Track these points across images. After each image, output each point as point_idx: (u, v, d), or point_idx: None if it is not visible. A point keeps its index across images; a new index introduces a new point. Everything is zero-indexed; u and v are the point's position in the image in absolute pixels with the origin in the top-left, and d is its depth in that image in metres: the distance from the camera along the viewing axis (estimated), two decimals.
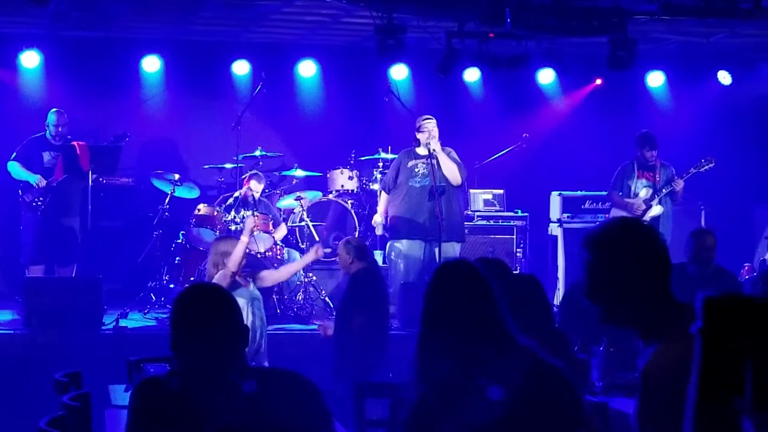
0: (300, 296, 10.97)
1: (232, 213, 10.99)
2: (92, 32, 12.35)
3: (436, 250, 10.47)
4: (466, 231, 11.46)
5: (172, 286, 11.04)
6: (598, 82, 13.95)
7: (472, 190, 12.77)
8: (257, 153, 12.24)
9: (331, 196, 12.27)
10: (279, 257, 10.99)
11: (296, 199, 11.67)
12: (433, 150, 10.48)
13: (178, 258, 11.15)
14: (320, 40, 13.12)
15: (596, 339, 6.36)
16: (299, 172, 12.41)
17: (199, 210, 11.14)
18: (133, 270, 11.77)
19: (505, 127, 13.59)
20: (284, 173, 12.71)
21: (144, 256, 11.64)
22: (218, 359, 3.66)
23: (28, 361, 9.17)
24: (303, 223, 11.57)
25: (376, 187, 12.08)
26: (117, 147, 11.46)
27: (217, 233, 10.88)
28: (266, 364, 8.00)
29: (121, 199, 12.38)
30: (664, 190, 11.54)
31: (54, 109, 11.44)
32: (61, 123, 11.35)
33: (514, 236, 12.49)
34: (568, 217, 12.81)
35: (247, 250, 9.85)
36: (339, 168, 12.38)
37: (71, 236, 11.36)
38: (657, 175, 11.62)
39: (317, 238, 11.63)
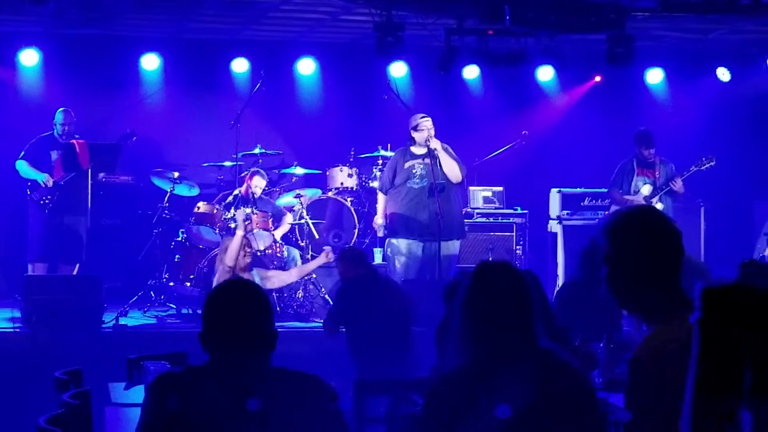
0: (300, 294, 10.98)
1: (232, 211, 10.99)
2: (91, 30, 12.35)
3: (436, 248, 10.47)
4: (466, 228, 11.46)
5: (171, 284, 11.04)
6: (598, 79, 13.95)
7: (471, 188, 12.77)
8: (256, 151, 12.24)
9: (330, 194, 12.27)
10: (279, 255, 10.99)
11: (296, 197, 11.67)
12: (435, 150, 10.48)
13: (177, 256, 11.15)
14: (319, 37, 13.12)
15: (596, 335, 6.36)
16: (299, 170, 12.41)
17: (198, 208, 11.15)
18: (133, 268, 11.78)
19: (504, 124, 13.60)
20: (284, 171, 12.71)
21: (144, 254, 11.65)
22: (244, 358, 3.66)
23: (28, 359, 9.18)
24: (302, 221, 11.56)
25: (375, 184, 12.07)
26: (116, 145, 11.47)
27: (217, 231, 10.90)
28: None
29: (120, 197, 12.38)
30: (663, 188, 11.54)
31: (61, 109, 11.47)
32: (68, 122, 11.38)
33: (514, 233, 12.49)
34: (567, 214, 12.80)
35: (248, 249, 9.91)
36: (338, 165, 12.38)
37: (77, 235, 11.37)
38: (657, 172, 11.62)
39: (317, 236, 11.63)
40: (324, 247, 10.70)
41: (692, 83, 14.05)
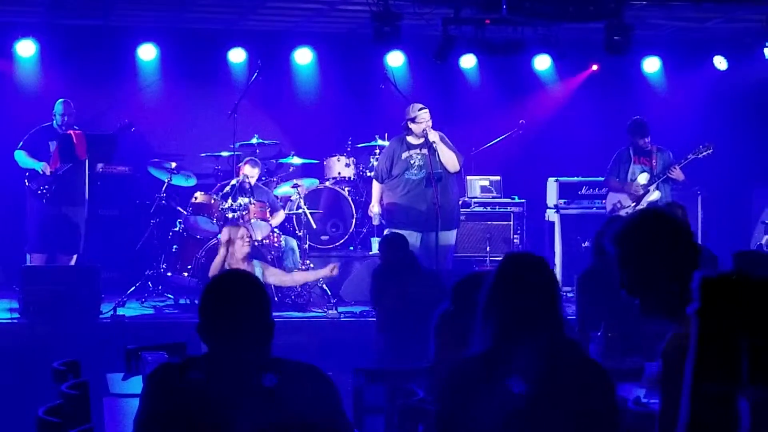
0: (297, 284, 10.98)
1: (229, 201, 10.99)
2: (88, 20, 12.33)
3: (434, 238, 10.47)
4: (463, 218, 11.47)
5: (169, 274, 11.04)
6: (595, 68, 13.93)
7: (468, 177, 12.77)
8: (254, 141, 12.24)
9: (328, 184, 12.27)
10: (276, 245, 10.99)
11: (293, 187, 11.66)
12: (433, 142, 10.48)
13: (175, 246, 11.15)
14: (316, 27, 13.10)
15: (594, 324, 6.37)
16: (296, 160, 12.40)
17: (196, 198, 11.15)
18: (131, 258, 11.77)
19: (501, 113, 13.59)
20: (281, 161, 12.70)
21: (141, 244, 11.64)
22: (243, 349, 3.65)
23: (26, 350, 9.19)
24: (300, 211, 11.56)
25: (373, 174, 12.08)
26: (114, 135, 11.47)
27: (214, 221, 10.90)
28: None
29: (118, 187, 12.37)
30: (661, 176, 11.54)
31: (61, 99, 11.44)
32: (68, 112, 11.34)
33: (511, 222, 12.49)
34: (564, 203, 12.81)
35: (247, 239, 9.93)
36: (336, 155, 12.38)
37: (75, 225, 11.35)
38: (653, 160, 11.62)
39: (314, 226, 11.63)
40: (331, 263, 10.74)
41: (689, 72, 14.04)
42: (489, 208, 12.63)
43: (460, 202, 11.59)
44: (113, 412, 5.07)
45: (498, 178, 12.98)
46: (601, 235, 7.20)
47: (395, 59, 13.35)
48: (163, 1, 11.76)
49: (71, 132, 11.17)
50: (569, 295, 9.36)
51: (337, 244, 12.23)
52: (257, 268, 9.63)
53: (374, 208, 11.08)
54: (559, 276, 12.06)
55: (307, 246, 11.43)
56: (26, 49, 12.48)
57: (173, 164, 11.58)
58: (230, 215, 10.83)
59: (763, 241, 12.09)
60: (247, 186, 11.19)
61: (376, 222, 11.35)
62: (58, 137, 11.29)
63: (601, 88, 13.98)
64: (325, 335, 9.98)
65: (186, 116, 13.31)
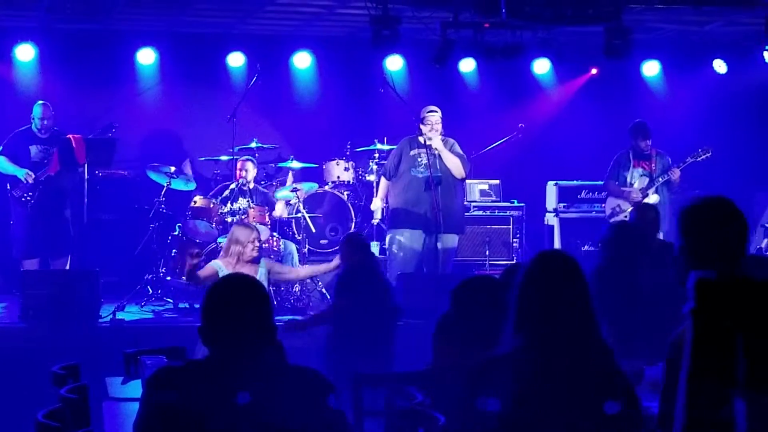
0: (297, 287, 10.97)
1: (229, 204, 10.97)
2: (87, 25, 12.33)
3: (436, 241, 10.47)
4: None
5: (168, 278, 11.04)
6: (594, 71, 13.94)
7: (468, 181, 12.73)
8: (253, 145, 12.24)
9: (327, 188, 12.27)
10: (275, 249, 10.98)
11: (292, 191, 11.66)
12: (435, 149, 10.49)
13: (174, 250, 11.15)
14: (315, 31, 13.10)
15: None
16: (295, 164, 12.40)
17: (195, 202, 11.15)
18: (130, 262, 11.77)
19: (500, 117, 13.58)
20: (280, 165, 12.70)
21: (140, 248, 11.63)
22: (244, 352, 3.65)
23: (26, 354, 9.17)
24: (299, 215, 11.56)
25: (372, 178, 12.09)
26: (112, 140, 11.44)
27: (213, 225, 10.90)
28: None
29: (117, 191, 12.38)
30: (660, 179, 11.54)
31: (40, 102, 11.37)
32: (47, 116, 11.27)
33: (511, 226, 12.49)
34: (564, 206, 12.82)
35: (257, 243, 9.93)
36: (335, 159, 12.38)
37: (63, 228, 11.33)
38: (653, 164, 11.62)
39: (313, 230, 11.63)
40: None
41: (689, 75, 14.04)
42: (488, 212, 12.63)
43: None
44: (113, 416, 5.06)
45: (497, 181, 12.98)
46: (605, 240, 7.21)
47: (394, 63, 13.35)
48: (161, 5, 11.76)
49: (71, 137, 11.15)
50: None
51: (336, 248, 12.20)
52: (262, 268, 9.60)
53: (377, 201, 11.09)
54: None
55: (306, 250, 11.42)
56: (25, 53, 12.48)
57: (172, 168, 11.58)
58: (229, 219, 10.83)
59: (763, 245, 12.08)
60: (246, 188, 11.20)
61: (377, 216, 11.35)
62: (39, 141, 11.25)
63: (600, 92, 13.98)
64: (325, 340, 9.95)
65: (185, 120, 13.29)
